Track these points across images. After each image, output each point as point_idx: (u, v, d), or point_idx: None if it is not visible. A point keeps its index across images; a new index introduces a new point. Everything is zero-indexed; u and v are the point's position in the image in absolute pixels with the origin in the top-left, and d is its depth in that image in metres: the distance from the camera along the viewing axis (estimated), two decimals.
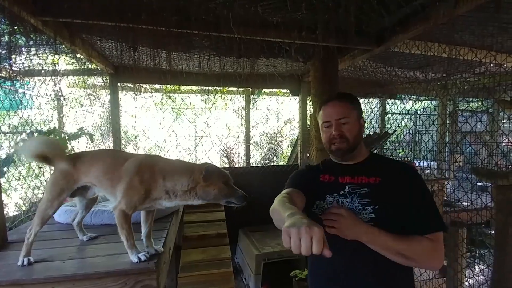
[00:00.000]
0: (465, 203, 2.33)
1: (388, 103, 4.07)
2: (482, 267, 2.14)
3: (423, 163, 3.46)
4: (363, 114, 1.22)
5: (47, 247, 1.38)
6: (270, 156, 5.57)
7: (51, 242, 1.47)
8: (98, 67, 2.94)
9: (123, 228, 1.23)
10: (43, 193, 2.52)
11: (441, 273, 2.80)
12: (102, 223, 1.71)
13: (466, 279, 2.28)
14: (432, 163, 3.57)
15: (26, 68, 2.57)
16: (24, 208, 2.60)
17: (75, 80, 3.41)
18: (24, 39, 2.07)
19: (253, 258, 3.15)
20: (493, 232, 1.97)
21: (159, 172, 1.25)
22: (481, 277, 2.14)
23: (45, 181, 2.81)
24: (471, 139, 3.01)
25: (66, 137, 2.55)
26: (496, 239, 1.89)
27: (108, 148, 3.47)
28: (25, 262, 1.21)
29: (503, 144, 3.46)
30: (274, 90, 4.80)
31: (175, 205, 1.34)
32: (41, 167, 2.48)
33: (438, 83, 3.54)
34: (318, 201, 1.09)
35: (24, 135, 2.42)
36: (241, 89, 4.37)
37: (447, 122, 3.56)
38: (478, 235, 2.57)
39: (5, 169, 2.18)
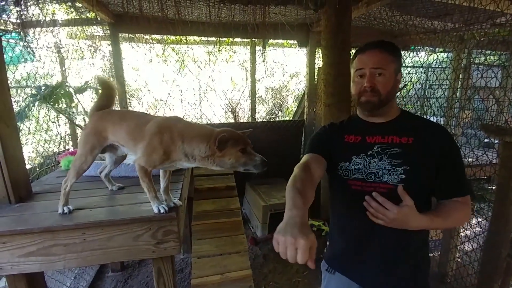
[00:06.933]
0: (469, 159, 2.37)
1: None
2: (480, 219, 2.26)
3: (432, 119, 3.44)
4: None
5: (72, 197, 1.44)
6: (275, 111, 5.53)
7: (75, 192, 1.53)
8: (97, 17, 2.77)
9: (143, 181, 1.28)
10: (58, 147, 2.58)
11: None
12: (120, 175, 1.77)
13: (463, 229, 2.44)
14: (442, 119, 3.54)
15: (25, 20, 2.43)
16: (37, 161, 2.67)
17: (73, 30, 3.25)
18: None
19: (260, 209, 3.33)
20: (493, 187, 2.04)
21: (178, 135, 1.22)
22: (478, 228, 2.26)
23: (55, 135, 2.85)
24: (483, 95, 2.94)
25: (72, 91, 2.52)
26: (497, 193, 1.96)
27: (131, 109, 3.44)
28: (66, 211, 1.29)
29: None
30: (280, 41, 4.58)
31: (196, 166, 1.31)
32: (53, 122, 2.49)
33: (456, 34, 3.34)
34: (343, 162, 1.06)
35: (33, 90, 2.38)
36: (246, 40, 4.16)
37: (460, 76, 3.44)
38: (478, 190, 2.66)
39: (18, 123, 2.19)
